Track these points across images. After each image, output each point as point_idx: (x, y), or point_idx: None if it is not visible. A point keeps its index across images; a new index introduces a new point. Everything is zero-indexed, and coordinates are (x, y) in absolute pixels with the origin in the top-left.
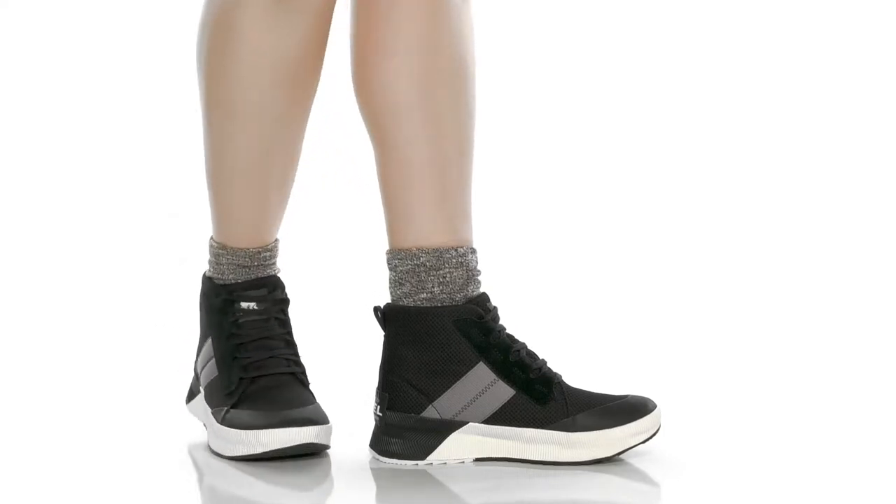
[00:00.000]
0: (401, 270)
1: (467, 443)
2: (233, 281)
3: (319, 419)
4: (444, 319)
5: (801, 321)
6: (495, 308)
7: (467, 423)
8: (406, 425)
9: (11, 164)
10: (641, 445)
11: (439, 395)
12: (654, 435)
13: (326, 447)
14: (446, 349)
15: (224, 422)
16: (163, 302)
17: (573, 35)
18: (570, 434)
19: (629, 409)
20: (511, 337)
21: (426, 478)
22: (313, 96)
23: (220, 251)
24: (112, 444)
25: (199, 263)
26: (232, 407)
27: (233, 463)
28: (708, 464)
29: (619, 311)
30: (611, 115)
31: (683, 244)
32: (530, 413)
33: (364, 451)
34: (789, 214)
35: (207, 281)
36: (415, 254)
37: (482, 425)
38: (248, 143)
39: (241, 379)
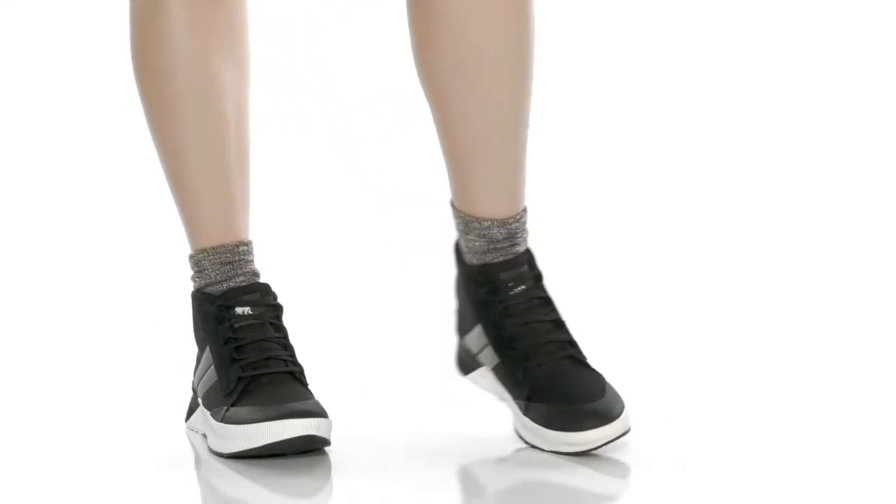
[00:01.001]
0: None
1: (480, 383)
2: (220, 280)
3: (319, 413)
4: (460, 279)
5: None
6: (506, 280)
7: (482, 366)
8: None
9: (11, 165)
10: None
11: (463, 336)
12: (597, 448)
13: (327, 442)
14: (463, 303)
15: (224, 419)
16: (163, 302)
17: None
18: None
19: (583, 415)
20: (512, 308)
21: (424, 481)
22: (247, 71)
23: (200, 256)
24: (111, 446)
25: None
26: (231, 405)
27: (232, 464)
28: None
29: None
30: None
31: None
32: (510, 382)
33: (364, 451)
34: (790, 215)
35: (197, 294)
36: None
37: (489, 373)
38: (198, 136)
39: (239, 378)
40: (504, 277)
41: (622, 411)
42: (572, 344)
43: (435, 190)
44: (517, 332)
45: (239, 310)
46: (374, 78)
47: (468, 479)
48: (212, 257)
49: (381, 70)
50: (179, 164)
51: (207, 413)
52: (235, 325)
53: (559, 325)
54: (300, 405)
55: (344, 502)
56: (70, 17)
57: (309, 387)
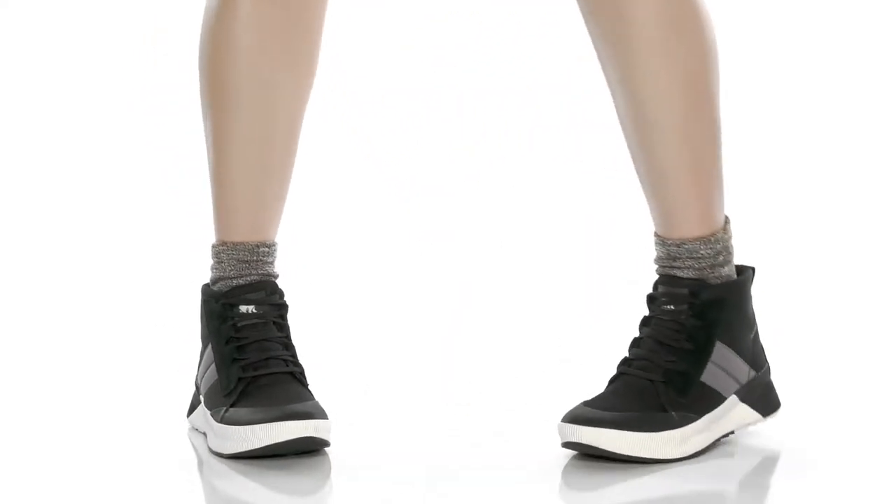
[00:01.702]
0: None
1: None
2: (233, 277)
3: (318, 414)
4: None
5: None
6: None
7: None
8: None
9: (12, 165)
10: None
11: None
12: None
13: (326, 443)
14: None
15: (223, 420)
16: (163, 302)
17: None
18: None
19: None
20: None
21: (424, 480)
22: (308, 83)
23: (220, 248)
24: (111, 446)
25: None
26: (231, 406)
27: (233, 464)
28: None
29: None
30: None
31: None
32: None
33: (364, 451)
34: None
35: (206, 289)
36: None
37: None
38: (245, 131)
39: (239, 379)
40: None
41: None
42: None
43: (436, 189)
44: None
45: (243, 308)
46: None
47: (468, 479)
48: (230, 252)
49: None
50: (219, 153)
51: (208, 413)
52: (238, 325)
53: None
54: (299, 406)
55: (344, 502)
56: (70, 18)
57: (309, 387)
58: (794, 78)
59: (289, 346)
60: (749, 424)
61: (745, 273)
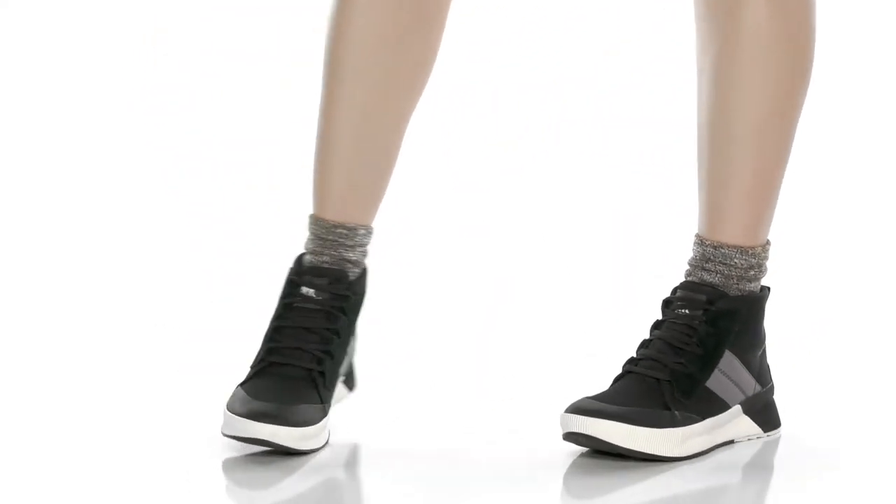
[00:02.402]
0: None
1: None
2: (312, 252)
3: (294, 420)
4: None
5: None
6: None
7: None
8: None
9: (12, 165)
10: None
11: None
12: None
13: (290, 450)
14: None
15: (232, 393)
16: (163, 303)
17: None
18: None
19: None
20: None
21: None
22: (422, 72)
23: (310, 219)
24: (112, 447)
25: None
26: (242, 383)
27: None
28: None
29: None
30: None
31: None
32: None
33: (363, 450)
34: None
35: (296, 257)
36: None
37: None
38: (349, 105)
39: (260, 360)
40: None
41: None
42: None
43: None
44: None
45: (304, 290)
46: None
47: (472, 477)
48: (314, 226)
49: None
50: (322, 126)
51: None
52: (293, 305)
53: None
54: (274, 408)
55: (349, 497)
56: (70, 18)
57: (325, 387)
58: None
59: (329, 340)
60: (749, 437)
61: (763, 291)
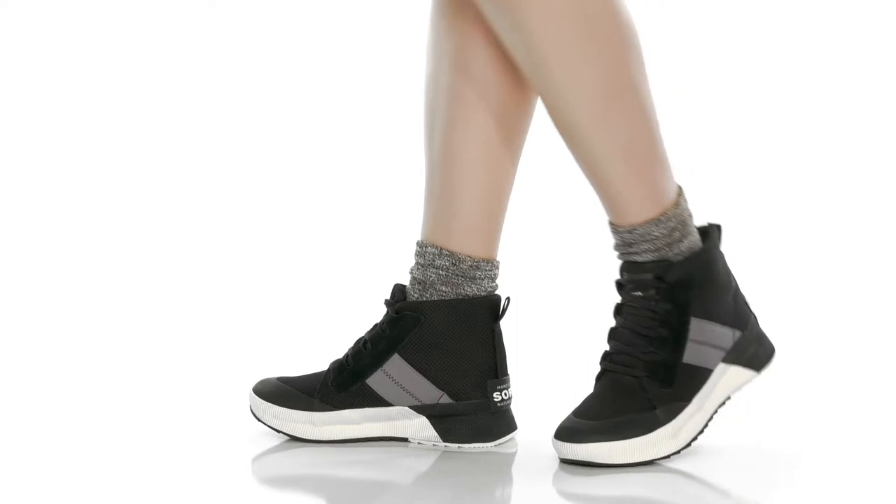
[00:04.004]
0: None
1: None
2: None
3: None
4: None
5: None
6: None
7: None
8: None
9: (12, 165)
10: None
11: None
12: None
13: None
14: None
15: None
16: (163, 302)
17: None
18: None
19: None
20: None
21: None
22: (514, 113)
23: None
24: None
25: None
26: None
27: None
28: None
29: None
30: None
31: None
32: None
33: (366, 449)
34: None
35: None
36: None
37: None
38: (429, 145)
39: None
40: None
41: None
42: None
43: None
44: None
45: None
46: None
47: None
48: (417, 246)
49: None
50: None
51: None
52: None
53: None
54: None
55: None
56: (70, 18)
57: (328, 387)
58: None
59: (351, 356)
60: (744, 384)
61: (710, 239)
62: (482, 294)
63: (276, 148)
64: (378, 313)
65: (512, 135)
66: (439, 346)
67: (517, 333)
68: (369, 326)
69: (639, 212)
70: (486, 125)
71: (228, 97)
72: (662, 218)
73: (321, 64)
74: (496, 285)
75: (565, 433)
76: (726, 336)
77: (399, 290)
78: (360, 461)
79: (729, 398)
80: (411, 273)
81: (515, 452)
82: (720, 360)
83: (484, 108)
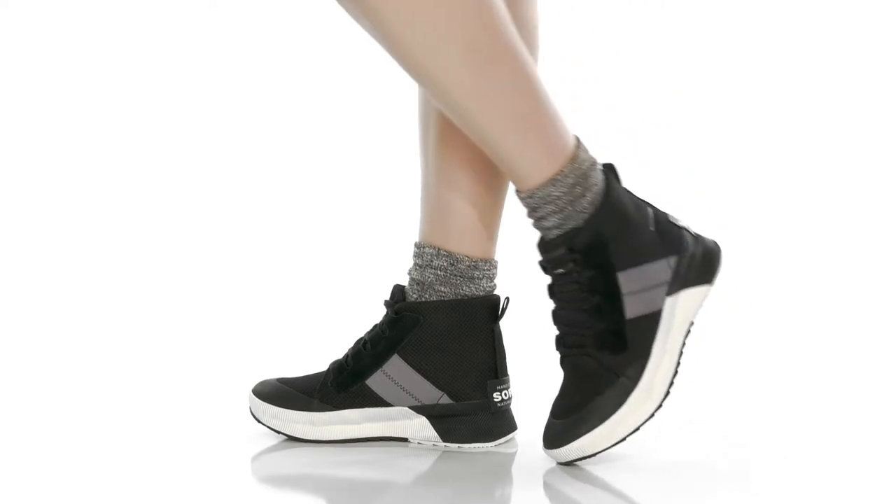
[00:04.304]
0: None
1: None
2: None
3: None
4: None
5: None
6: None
7: None
8: None
9: (12, 165)
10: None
11: None
12: None
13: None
14: None
15: None
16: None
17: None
18: None
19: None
20: None
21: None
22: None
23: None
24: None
25: None
26: None
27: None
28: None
29: None
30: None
31: None
32: None
33: (367, 448)
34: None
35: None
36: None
37: None
38: (424, 145)
39: None
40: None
41: None
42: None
43: None
44: None
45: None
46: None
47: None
48: (415, 247)
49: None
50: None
51: None
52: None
53: None
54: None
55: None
56: (70, 18)
57: (325, 387)
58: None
59: (351, 356)
60: (702, 302)
61: (608, 185)
62: (481, 294)
63: (275, 149)
64: (378, 314)
65: None
66: (439, 346)
67: (517, 333)
68: (369, 327)
69: (536, 174)
70: None
71: (228, 97)
72: (559, 176)
73: (320, 65)
74: (494, 285)
75: (549, 441)
76: (662, 269)
77: (398, 291)
78: (360, 461)
79: (692, 324)
80: (410, 274)
81: (515, 452)
82: (665, 296)
83: None
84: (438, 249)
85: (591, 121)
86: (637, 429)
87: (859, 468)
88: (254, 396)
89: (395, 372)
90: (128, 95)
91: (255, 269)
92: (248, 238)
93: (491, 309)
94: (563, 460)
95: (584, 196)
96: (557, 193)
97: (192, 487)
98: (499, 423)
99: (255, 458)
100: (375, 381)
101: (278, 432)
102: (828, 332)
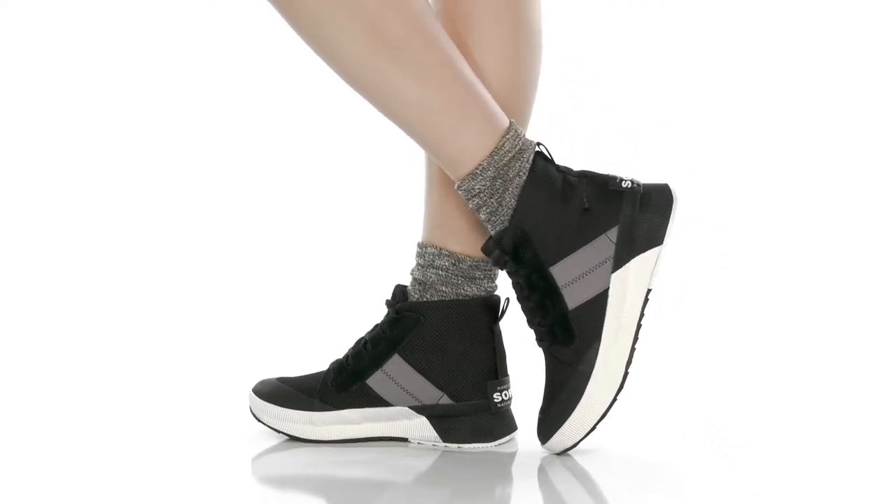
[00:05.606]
0: None
1: None
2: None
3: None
4: None
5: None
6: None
7: None
8: None
9: (12, 165)
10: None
11: None
12: None
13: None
14: None
15: None
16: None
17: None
18: None
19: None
20: None
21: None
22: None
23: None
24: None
25: None
26: None
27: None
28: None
29: None
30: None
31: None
32: None
33: (368, 447)
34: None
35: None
36: None
37: None
38: None
39: None
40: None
41: None
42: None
43: None
44: None
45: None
46: None
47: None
48: (417, 247)
49: None
50: None
51: None
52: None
53: None
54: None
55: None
56: (70, 18)
57: (316, 397)
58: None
59: (350, 356)
60: (655, 265)
61: (530, 175)
62: (482, 294)
63: (276, 149)
64: (379, 313)
65: None
66: (439, 346)
67: (517, 334)
68: (369, 326)
69: (459, 168)
70: None
71: (229, 98)
72: (478, 170)
73: (321, 65)
74: (496, 286)
75: (545, 436)
76: (602, 247)
77: (400, 291)
78: (360, 461)
79: (650, 291)
80: (412, 274)
81: (515, 452)
82: (611, 273)
83: None
84: (440, 249)
85: (591, 121)
86: (604, 415)
87: (859, 468)
88: (254, 396)
89: (395, 372)
90: (128, 96)
91: (255, 269)
92: (248, 238)
93: (491, 309)
94: (560, 450)
95: (506, 190)
96: (479, 188)
97: (192, 487)
98: (499, 424)
99: (256, 458)
100: (376, 381)
101: (278, 432)
102: (827, 332)
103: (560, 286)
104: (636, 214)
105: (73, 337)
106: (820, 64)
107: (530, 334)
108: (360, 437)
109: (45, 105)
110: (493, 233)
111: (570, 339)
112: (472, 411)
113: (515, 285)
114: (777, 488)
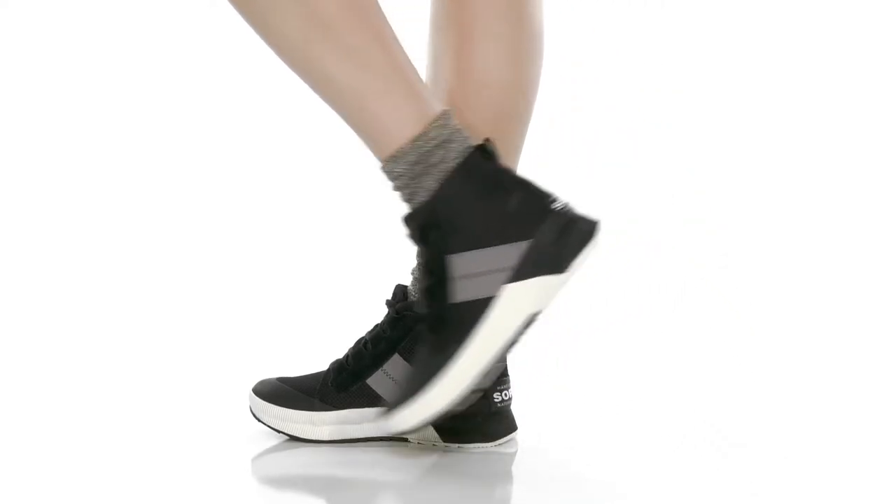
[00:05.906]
0: None
1: None
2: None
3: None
4: None
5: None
6: None
7: None
8: None
9: (12, 165)
10: None
11: None
12: None
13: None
14: None
15: None
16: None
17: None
18: None
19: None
20: None
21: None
22: None
23: None
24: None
25: None
26: None
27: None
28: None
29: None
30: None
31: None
32: None
33: (368, 447)
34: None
35: None
36: None
37: None
38: None
39: None
40: None
41: None
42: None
43: None
44: None
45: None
46: None
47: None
48: None
49: None
50: None
51: None
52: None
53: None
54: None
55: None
56: (70, 18)
57: (316, 397)
58: (791, 77)
59: (348, 360)
60: (553, 292)
61: (461, 165)
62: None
63: (276, 148)
64: (379, 313)
65: (509, 135)
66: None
67: None
68: (369, 326)
69: (381, 149)
70: (482, 127)
71: (229, 97)
72: (398, 154)
73: None
74: None
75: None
76: (506, 254)
77: (400, 291)
78: (360, 461)
79: (538, 314)
80: (412, 274)
81: (515, 452)
82: (504, 283)
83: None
84: None
85: (591, 121)
86: (471, 392)
87: (859, 468)
88: (254, 395)
89: (395, 372)
90: (128, 96)
91: (255, 269)
92: (248, 238)
93: None
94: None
95: (427, 174)
96: (399, 171)
97: (192, 487)
98: (499, 424)
99: (256, 458)
100: (376, 381)
101: (278, 432)
102: (827, 332)
103: (455, 277)
104: (553, 237)
105: (73, 337)
106: (820, 64)
107: (530, 334)
108: (360, 437)
109: (44, 105)
110: (404, 196)
111: (441, 330)
112: (471, 411)
113: (419, 265)
114: (777, 488)
